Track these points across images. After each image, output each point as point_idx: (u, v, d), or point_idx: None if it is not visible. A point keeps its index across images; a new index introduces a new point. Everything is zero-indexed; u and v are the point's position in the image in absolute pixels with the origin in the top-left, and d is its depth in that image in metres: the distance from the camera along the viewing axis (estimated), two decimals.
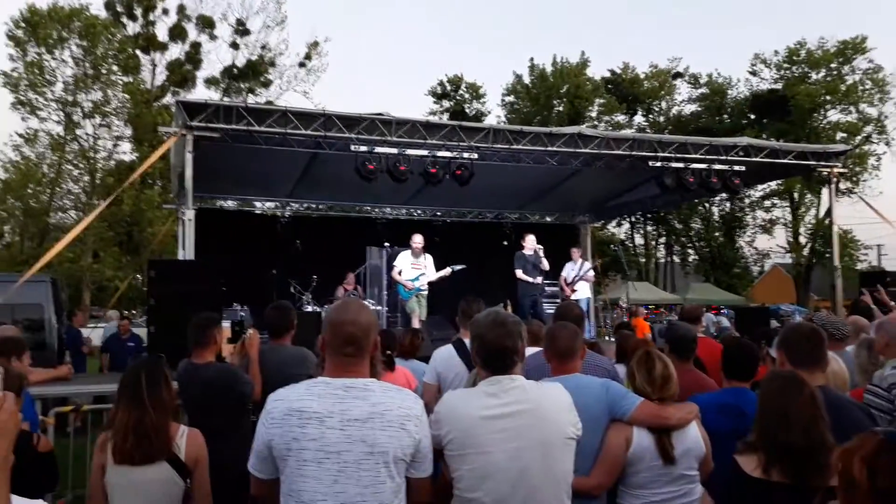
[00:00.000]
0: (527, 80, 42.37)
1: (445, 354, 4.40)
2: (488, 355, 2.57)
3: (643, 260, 42.89)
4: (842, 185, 33.28)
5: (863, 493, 1.62)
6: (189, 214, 9.14)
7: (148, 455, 2.88)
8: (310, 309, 11.34)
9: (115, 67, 28.67)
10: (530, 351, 3.01)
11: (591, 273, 12.54)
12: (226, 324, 6.49)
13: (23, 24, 26.83)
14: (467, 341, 4.31)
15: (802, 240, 38.28)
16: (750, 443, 2.54)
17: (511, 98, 43.12)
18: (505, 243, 15.21)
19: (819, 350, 3.10)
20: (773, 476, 2.45)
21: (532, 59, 43.47)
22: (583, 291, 12.04)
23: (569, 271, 12.06)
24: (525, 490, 2.42)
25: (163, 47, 33.44)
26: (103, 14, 30.01)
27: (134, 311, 37.62)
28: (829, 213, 13.57)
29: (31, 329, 9.83)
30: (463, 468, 2.46)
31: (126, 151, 30.48)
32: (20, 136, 27.10)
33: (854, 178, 34.53)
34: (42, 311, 10.52)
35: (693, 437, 3.02)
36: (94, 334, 12.50)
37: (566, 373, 3.14)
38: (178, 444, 2.96)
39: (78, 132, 28.33)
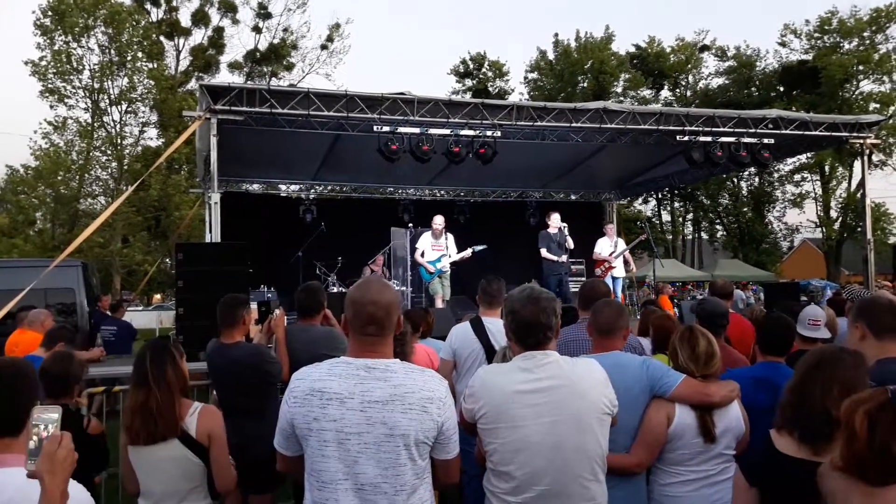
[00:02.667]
0: (551, 56, 41.87)
1: (462, 332, 4.41)
2: (522, 331, 2.54)
3: (670, 237, 42.38)
4: (874, 157, 32.53)
5: (861, 446, 1.66)
6: (215, 198, 9.25)
7: (153, 435, 2.88)
8: (335, 290, 11.46)
9: (139, 54, 28.86)
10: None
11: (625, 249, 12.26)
12: (252, 305, 6.56)
13: (50, 13, 27.10)
14: (486, 319, 4.39)
15: (833, 214, 37.56)
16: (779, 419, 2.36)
17: (535, 75, 42.59)
18: (532, 221, 15.14)
19: None
20: (805, 454, 2.20)
21: (556, 35, 42.89)
22: (619, 270, 11.72)
23: (603, 247, 11.72)
24: (558, 464, 2.40)
25: (186, 33, 33.71)
26: (128, 1, 30.23)
27: (160, 295, 38.40)
28: (861, 185, 13.22)
29: (62, 313, 10.03)
30: (496, 442, 2.46)
31: (152, 137, 30.87)
32: (49, 123, 27.46)
33: (887, 150, 33.71)
34: (73, 295, 10.73)
35: (734, 416, 2.96)
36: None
37: (606, 349, 3.11)
38: (188, 422, 2.95)
39: (105, 119, 28.65)
